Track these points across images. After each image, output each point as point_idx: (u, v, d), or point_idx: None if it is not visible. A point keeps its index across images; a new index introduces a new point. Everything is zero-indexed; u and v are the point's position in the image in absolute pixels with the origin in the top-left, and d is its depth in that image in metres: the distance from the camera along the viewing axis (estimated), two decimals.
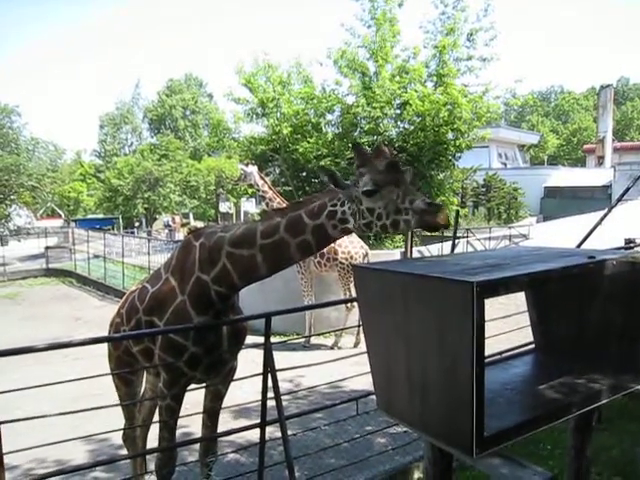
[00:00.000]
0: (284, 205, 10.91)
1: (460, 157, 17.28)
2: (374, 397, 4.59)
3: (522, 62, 79.10)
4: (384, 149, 3.12)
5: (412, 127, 15.91)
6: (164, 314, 3.64)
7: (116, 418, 4.65)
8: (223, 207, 47.04)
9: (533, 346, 3.00)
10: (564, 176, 33.86)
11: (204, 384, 4.05)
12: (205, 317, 3.54)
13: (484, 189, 24.86)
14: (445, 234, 15.49)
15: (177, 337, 3.56)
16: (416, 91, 15.19)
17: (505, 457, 2.12)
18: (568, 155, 61.23)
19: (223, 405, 4.26)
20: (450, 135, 16.02)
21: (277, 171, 17.77)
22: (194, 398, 4.16)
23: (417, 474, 5.22)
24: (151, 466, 4.17)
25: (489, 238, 15.56)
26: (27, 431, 4.41)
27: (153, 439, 4.09)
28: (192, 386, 4.01)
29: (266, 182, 10.97)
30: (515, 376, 2.63)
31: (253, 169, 11.13)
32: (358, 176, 3.03)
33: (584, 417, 2.39)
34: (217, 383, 4.02)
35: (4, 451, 3.31)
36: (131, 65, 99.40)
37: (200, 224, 31.11)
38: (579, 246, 5.81)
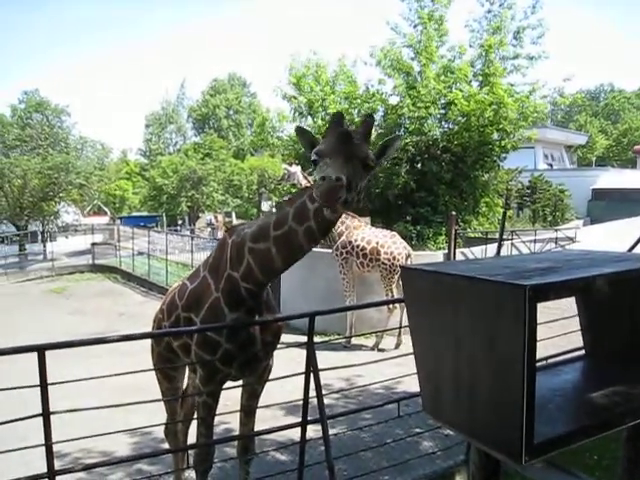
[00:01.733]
0: None
1: (505, 158, 17.02)
2: (416, 399, 4.56)
3: (571, 59, 77.04)
4: (341, 120, 2.98)
5: (457, 127, 15.74)
6: (200, 310, 3.69)
7: (159, 412, 4.74)
8: (265, 206, 47.41)
9: (583, 352, 2.92)
10: (613, 178, 32.88)
11: (240, 382, 4.09)
12: (237, 314, 3.56)
13: (529, 191, 24.33)
14: (489, 236, 15.26)
15: (211, 334, 3.61)
16: (461, 91, 15.01)
17: (554, 466, 2.06)
18: (617, 156, 59.39)
19: (265, 403, 4.29)
20: (495, 135, 15.79)
21: None
22: (235, 395, 4.20)
23: (458, 478, 5.15)
24: (192, 461, 4.23)
25: (534, 241, 15.21)
26: (74, 422, 4.53)
27: (195, 434, 4.14)
28: (233, 383, 4.05)
29: (309, 182, 11.02)
30: (565, 382, 2.56)
31: (297, 169, 11.21)
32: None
33: (638, 427, 2.31)
34: (252, 382, 4.04)
35: (53, 440, 3.42)
36: (176, 65, 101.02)
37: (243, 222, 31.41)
38: (631, 250, 5.63)
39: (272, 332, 3.86)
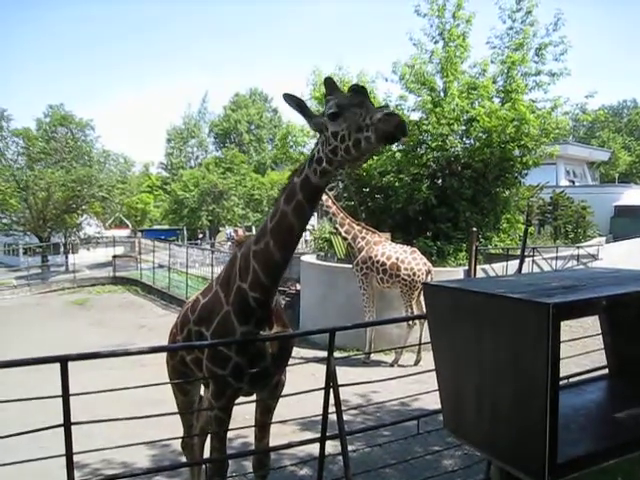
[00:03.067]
0: (347, 219, 11.06)
1: (527, 174, 16.88)
2: (436, 416, 4.53)
3: (593, 75, 76.43)
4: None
5: (478, 143, 15.68)
6: (211, 324, 3.71)
7: (177, 425, 4.76)
8: None
9: (607, 371, 2.88)
10: (636, 195, 32.44)
11: (254, 397, 4.09)
12: (247, 326, 3.57)
13: (551, 207, 24.08)
14: (510, 253, 15.12)
15: (222, 348, 3.62)
16: (483, 107, 14.98)
17: None
18: None
19: (284, 418, 4.28)
20: (517, 152, 15.70)
21: (340, 186, 17.81)
22: (252, 409, 4.21)
23: None
24: (207, 475, 4.23)
25: (556, 258, 15.04)
26: (94, 433, 4.57)
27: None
28: (248, 398, 4.05)
29: (330, 197, 11.07)
30: (589, 402, 2.53)
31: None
32: (325, 104, 3.04)
33: None
34: (265, 397, 4.04)
35: (74, 451, 3.45)
36: (199, 80, 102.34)
37: None
38: None
39: (284, 347, 3.86)
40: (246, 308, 3.55)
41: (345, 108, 2.92)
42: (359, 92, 2.95)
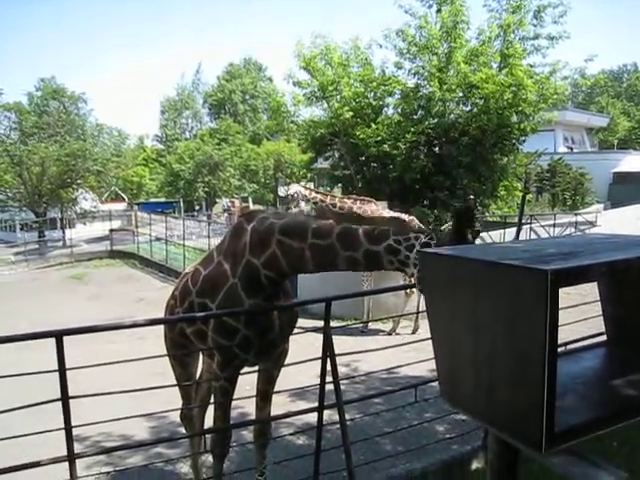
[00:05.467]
0: (336, 198, 11.09)
1: (524, 141, 16.78)
2: (433, 384, 4.53)
3: (593, 39, 75.43)
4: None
5: (475, 110, 15.53)
6: (216, 296, 3.66)
7: (176, 396, 4.77)
8: (282, 191, 47.47)
9: (605, 338, 2.85)
10: (635, 161, 32.28)
11: (257, 367, 4.09)
12: (256, 300, 3.55)
13: (549, 174, 24.00)
14: (507, 220, 15.09)
15: (229, 319, 3.59)
16: (483, 73, 14.80)
17: (575, 454, 2.01)
18: None
19: (282, 388, 4.28)
20: (514, 118, 15.58)
21: (337, 155, 17.68)
22: (254, 380, 4.21)
23: (475, 464, 5.13)
24: (209, 445, 4.26)
25: (553, 225, 15.06)
26: (93, 406, 4.57)
27: (211, 418, 4.16)
28: (251, 368, 4.06)
29: (312, 190, 11.33)
30: (586, 369, 2.51)
31: (295, 187, 11.52)
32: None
33: None
34: (269, 367, 4.04)
35: (73, 424, 3.45)
36: (192, 50, 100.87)
37: (260, 208, 31.50)
38: None
39: (289, 317, 3.86)
40: (256, 283, 3.52)
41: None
42: None
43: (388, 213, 10.86)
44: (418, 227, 3.15)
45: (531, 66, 15.88)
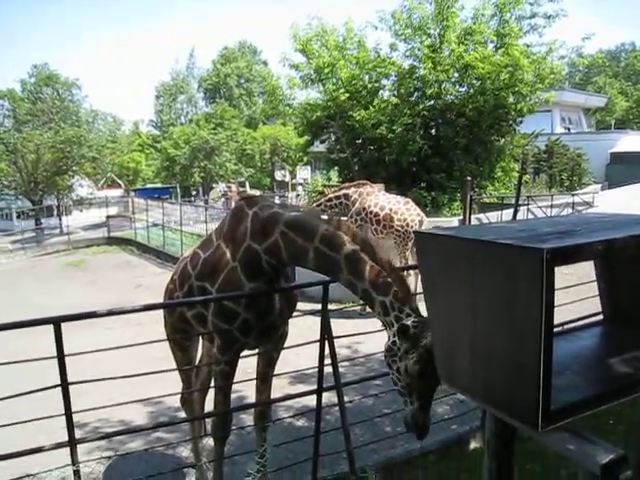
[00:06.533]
0: (330, 194, 10.94)
1: (521, 122, 16.72)
2: None
3: (591, 17, 74.64)
4: None
5: (471, 91, 15.44)
6: (216, 280, 3.66)
7: (175, 382, 4.79)
8: (278, 175, 47.32)
9: (601, 317, 2.86)
10: (633, 141, 32.15)
11: (257, 350, 4.10)
12: (256, 283, 3.55)
13: (546, 155, 23.90)
14: (505, 202, 15.08)
15: (229, 303, 3.59)
16: (477, 53, 14.68)
17: (571, 432, 2.02)
18: (638, 119, 57.89)
19: (281, 371, 4.30)
20: (511, 99, 15.51)
21: (333, 138, 17.59)
22: (253, 364, 4.22)
23: (473, 444, 5.18)
24: (210, 429, 4.28)
25: (551, 206, 14.99)
26: (93, 392, 4.60)
27: (211, 402, 4.18)
28: (251, 352, 4.07)
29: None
30: (583, 348, 2.52)
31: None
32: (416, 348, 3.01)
33: None
34: (269, 349, 4.05)
35: (73, 410, 3.47)
36: (186, 34, 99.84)
37: (257, 192, 31.41)
38: None
39: (288, 300, 3.87)
40: (256, 267, 3.52)
41: (412, 378, 3.06)
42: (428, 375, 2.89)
43: (384, 195, 10.83)
44: (414, 308, 3.13)
45: (527, 46, 15.77)
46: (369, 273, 3.15)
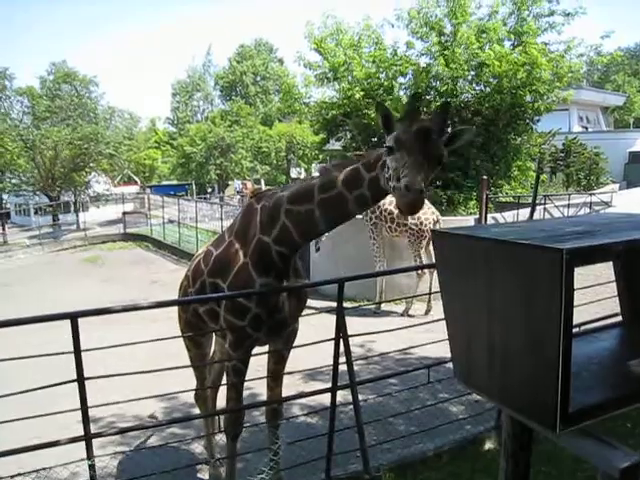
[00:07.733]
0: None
1: (538, 120, 16.55)
2: (446, 365, 4.53)
3: (610, 15, 73.68)
4: (417, 108, 3.06)
5: (488, 89, 15.31)
6: (227, 276, 3.70)
7: (189, 377, 4.81)
8: (294, 173, 47.32)
9: (620, 319, 2.83)
10: None
11: (267, 346, 4.11)
12: (267, 279, 3.58)
13: (563, 154, 23.66)
14: (521, 201, 14.95)
15: (240, 299, 3.61)
16: (493, 51, 14.55)
17: (590, 434, 2.00)
18: None
19: (295, 369, 4.30)
20: (528, 97, 15.33)
21: (348, 136, 17.55)
22: (263, 362, 4.23)
23: (488, 444, 5.14)
24: (223, 425, 4.29)
25: (568, 205, 14.84)
26: (108, 388, 4.63)
27: (223, 399, 4.19)
28: (262, 349, 4.07)
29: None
30: (601, 350, 2.49)
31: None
32: (397, 128, 2.89)
33: None
34: (280, 347, 4.06)
35: (89, 405, 3.50)
36: (203, 31, 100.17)
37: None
38: None
39: (299, 297, 3.87)
40: (267, 261, 3.55)
41: (397, 148, 2.81)
42: (418, 134, 2.78)
43: None
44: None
45: (545, 44, 15.59)
46: (363, 166, 3.18)
